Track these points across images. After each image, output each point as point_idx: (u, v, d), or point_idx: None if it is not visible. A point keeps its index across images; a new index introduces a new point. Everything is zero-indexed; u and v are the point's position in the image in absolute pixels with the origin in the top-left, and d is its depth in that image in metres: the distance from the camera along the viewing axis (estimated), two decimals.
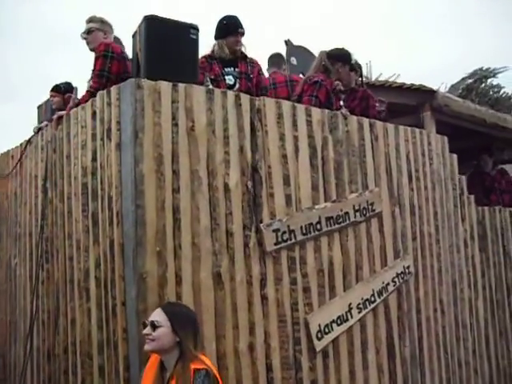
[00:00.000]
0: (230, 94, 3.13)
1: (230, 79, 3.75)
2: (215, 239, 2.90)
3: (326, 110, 3.56)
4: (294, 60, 5.11)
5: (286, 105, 3.34)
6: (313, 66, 3.89)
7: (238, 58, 3.83)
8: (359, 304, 3.54)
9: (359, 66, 4.36)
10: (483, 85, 6.41)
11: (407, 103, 4.70)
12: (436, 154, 4.43)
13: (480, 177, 5.94)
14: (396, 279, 3.84)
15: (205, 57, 3.78)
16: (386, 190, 3.88)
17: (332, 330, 3.36)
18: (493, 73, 6.45)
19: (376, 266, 3.73)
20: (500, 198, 5.83)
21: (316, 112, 3.49)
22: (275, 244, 3.12)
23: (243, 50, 3.90)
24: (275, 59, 4.69)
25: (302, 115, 3.41)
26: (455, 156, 4.66)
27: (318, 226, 3.35)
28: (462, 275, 4.54)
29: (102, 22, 3.69)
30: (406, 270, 3.93)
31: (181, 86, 2.88)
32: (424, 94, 4.55)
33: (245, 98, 3.15)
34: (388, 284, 3.77)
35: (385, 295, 3.73)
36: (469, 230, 4.71)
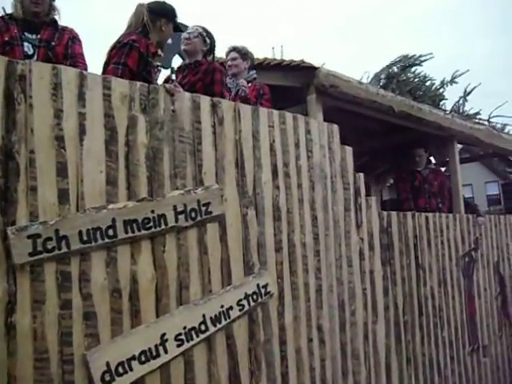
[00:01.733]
0: None
1: (28, 47, 2.95)
2: None
3: (138, 83, 2.75)
4: (169, 39, 4.32)
5: (69, 72, 2.52)
6: (129, 23, 3.07)
7: (45, 24, 3.05)
8: (179, 335, 2.70)
9: (209, 36, 3.55)
10: (407, 73, 5.59)
11: (293, 85, 3.89)
12: (320, 145, 3.61)
13: (410, 176, 5.13)
14: (244, 302, 3.00)
15: (2, 16, 3.01)
16: (233, 188, 3.06)
17: (131, 369, 2.51)
18: (418, 60, 5.65)
19: (213, 284, 2.89)
20: (428, 202, 5.01)
21: (119, 83, 2.67)
22: (32, 254, 2.29)
23: (56, 15, 3.12)
24: None
25: (96, 87, 2.59)
26: (349, 149, 3.84)
27: (111, 232, 2.52)
28: (355, 294, 3.71)
29: None
30: (262, 290, 3.09)
31: None
32: (307, 73, 3.73)
33: None
34: (230, 308, 2.93)
35: (225, 323, 2.89)
36: (367, 239, 3.88)
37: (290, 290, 3.26)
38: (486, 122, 5.90)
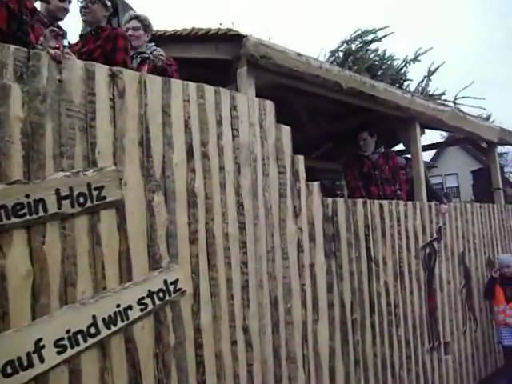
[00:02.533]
0: None
1: None
2: None
3: (12, 46, 2.33)
4: None
5: None
6: None
7: None
8: (61, 339, 2.31)
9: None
10: (365, 50, 5.19)
11: (225, 58, 3.49)
12: (249, 123, 3.22)
13: (358, 162, 4.74)
14: (147, 300, 2.61)
15: None
16: (136, 170, 2.66)
17: None
18: (375, 34, 5.25)
19: (108, 280, 2.49)
20: (381, 189, 4.63)
21: None
22: None
23: None
24: None
25: None
26: (287, 128, 3.45)
27: None
28: (291, 290, 3.32)
29: None
30: (171, 287, 2.70)
31: None
32: (236, 44, 3.33)
33: None
34: (129, 308, 2.53)
35: (122, 324, 2.50)
36: (307, 229, 3.49)
37: (208, 287, 2.88)
38: (452, 104, 5.52)
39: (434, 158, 33.08)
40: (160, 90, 2.80)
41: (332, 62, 5.16)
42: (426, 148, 6.81)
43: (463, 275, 5.24)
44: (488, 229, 5.88)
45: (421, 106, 4.78)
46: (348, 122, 5.35)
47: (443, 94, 5.56)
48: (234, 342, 2.97)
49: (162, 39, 3.79)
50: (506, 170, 34.72)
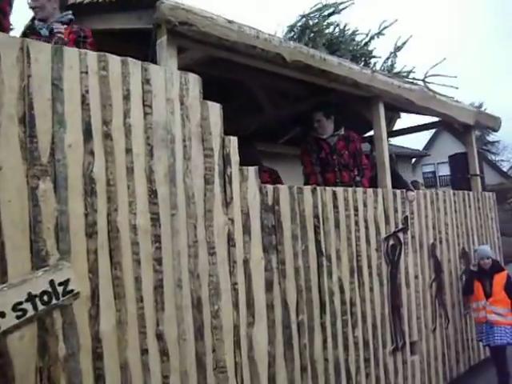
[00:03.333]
0: None
1: None
2: None
3: None
4: None
5: None
6: None
7: None
8: None
9: None
10: (324, 23, 4.75)
11: (147, 27, 3.06)
12: (166, 99, 2.80)
13: (315, 146, 4.33)
14: (26, 305, 2.21)
15: None
16: (15, 152, 2.24)
17: None
18: (336, 8, 4.81)
19: None
20: (339, 176, 4.22)
21: None
22: None
23: None
24: None
25: None
26: (215, 106, 3.04)
27: None
28: (220, 290, 2.92)
29: None
30: (59, 289, 2.30)
31: None
32: (150, 10, 2.90)
33: None
34: (0, 315, 2.13)
35: None
36: (240, 220, 3.09)
37: (111, 287, 2.48)
38: (421, 82, 5.09)
39: (427, 147, 32.72)
40: (49, 60, 2.38)
41: (290, 39, 4.73)
42: (398, 133, 6.41)
43: (433, 268, 4.85)
44: (463, 218, 5.49)
45: (384, 84, 4.36)
46: (309, 103, 4.92)
47: (411, 71, 5.14)
48: (144, 351, 2.57)
49: (79, 9, 3.36)
50: (497, 158, 34.36)
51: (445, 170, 32.59)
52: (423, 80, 5.13)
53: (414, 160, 27.73)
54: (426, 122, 6.31)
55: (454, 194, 5.35)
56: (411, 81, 4.95)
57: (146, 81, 2.72)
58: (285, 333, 3.28)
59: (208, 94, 3.02)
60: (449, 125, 6.06)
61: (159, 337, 2.63)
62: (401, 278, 4.35)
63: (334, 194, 3.78)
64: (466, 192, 5.62)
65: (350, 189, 3.95)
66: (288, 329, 3.31)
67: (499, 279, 4.91)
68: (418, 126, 6.42)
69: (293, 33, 4.81)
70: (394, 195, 4.41)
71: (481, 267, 5.03)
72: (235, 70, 4.29)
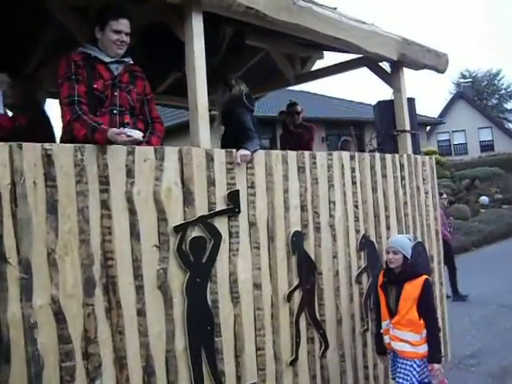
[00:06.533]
0: None
1: None
2: None
3: None
4: None
5: None
6: None
7: None
8: None
9: None
10: None
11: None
12: None
13: (92, 69, 2.68)
14: None
15: None
16: None
17: None
18: None
19: None
20: (114, 121, 2.61)
21: None
22: None
23: None
24: None
25: None
26: None
27: None
28: None
29: None
30: None
31: None
32: None
33: None
34: None
35: None
36: None
37: None
38: None
39: (442, 114, 30.35)
40: None
41: None
42: (313, 75, 4.76)
43: (297, 271, 3.20)
44: (368, 192, 3.79)
45: None
46: None
47: None
48: None
49: None
50: None
51: (461, 139, 30.27)
52: None
53: (428, 128, 25.65)
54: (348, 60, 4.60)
55: (351, 158, 3.64)
56: None
57: None
58: None
59: None
60: (372, 63, 4.31)
61: None
62: (217, 289, 2.72)
63: (76, 153, 2.16)
64: (378, 155, 3.91)
65: (112, 146, 2.32)
66: None
67: (410, 290, 3.24)
68: (335, 65, 4.70)
69: None
70: (210, 157, 2.75)
71: (387, 270, 3.38)
72: None
